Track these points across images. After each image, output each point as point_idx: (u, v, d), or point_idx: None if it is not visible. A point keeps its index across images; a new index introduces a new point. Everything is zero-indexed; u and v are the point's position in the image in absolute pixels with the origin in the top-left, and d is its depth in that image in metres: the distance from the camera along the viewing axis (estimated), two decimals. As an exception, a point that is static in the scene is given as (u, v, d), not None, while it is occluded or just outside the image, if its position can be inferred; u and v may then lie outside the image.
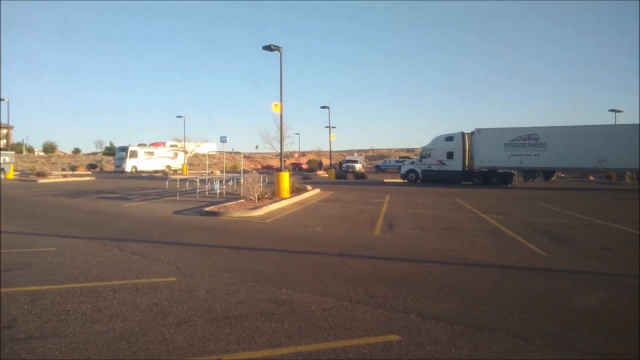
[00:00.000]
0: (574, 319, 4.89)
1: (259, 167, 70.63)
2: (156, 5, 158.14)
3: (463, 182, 31.13)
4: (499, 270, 7.17)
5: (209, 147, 56.47)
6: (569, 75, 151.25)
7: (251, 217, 13.59)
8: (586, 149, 26.97)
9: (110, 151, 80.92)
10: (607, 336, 4.41)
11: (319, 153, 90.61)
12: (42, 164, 57.99)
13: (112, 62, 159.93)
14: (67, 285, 6.05)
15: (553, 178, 33.21)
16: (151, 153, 51.45)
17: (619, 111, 41.38)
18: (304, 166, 65.14)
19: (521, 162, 29.11)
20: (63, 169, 49.25)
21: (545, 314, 4.99)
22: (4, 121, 44.53)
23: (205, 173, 29.54)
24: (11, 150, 47.07)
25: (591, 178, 39.67)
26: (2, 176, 33.53)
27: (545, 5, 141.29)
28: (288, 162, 70.90)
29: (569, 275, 6.86)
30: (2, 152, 38.44)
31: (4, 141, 64.48)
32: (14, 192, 23.25)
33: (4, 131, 65.81)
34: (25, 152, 74.72)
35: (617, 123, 36.86)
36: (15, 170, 38.72)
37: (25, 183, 30.82)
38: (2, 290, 5.79)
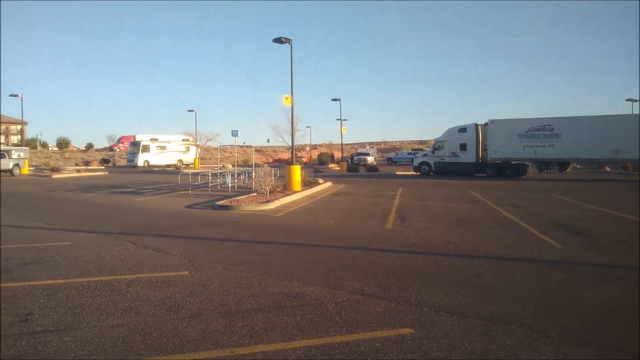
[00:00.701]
0: (589, 312, 4.84)
1: (270, 160, 70.76)
2: (166, 4, 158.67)
3: (476, 174, 30.86)
4: (512, 262, 7.12)
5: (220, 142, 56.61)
6: (584, 65, 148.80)
7: (263, 210, 13.64)
8: (602, 139, 26.51)
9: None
10: (622, 329, 4.36)
11: (330, 146, 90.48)
12: (56, 159, 58.70)
13: (124, 58, 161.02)
14: (81, 279, 6.14)
15: (568, 169, 32.80)
16: (163, 147, 51.78)
17: (635, 100, 40.64)
18: (304, 160, 63.45)
19: (535, 154, 28.77)
20: (77, 164, 49.85)
21: (559, 307, 4.95)
22: (18, 117, 45.15)
23: (217, 167, 29.69)
24: (25, 145, 47.77)
25: (607, 169, 39.09)
26: (17, 172, 34.01)
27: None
28: (285, 156, 70.83)
29: (583, 268, 6.79)
30: (17, 147, 39.04)
31: (18, 137, 65.41)
32: (29, 187, 23.59)
33: (18, 127, 66.76)
34: (39, 148, 75.71)
35: (633, 113, 36.21)
36: (29, 165, 39.26)
37: (39, 178, 31.24)
38: (19, 284, 5.90)
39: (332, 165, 52.09)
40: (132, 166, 49.11)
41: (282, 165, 37.27)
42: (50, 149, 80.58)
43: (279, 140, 40.41)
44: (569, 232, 9.70)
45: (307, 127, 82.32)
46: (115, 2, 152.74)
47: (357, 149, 76.82)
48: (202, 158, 58.88)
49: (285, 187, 18.77)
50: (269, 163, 53.01)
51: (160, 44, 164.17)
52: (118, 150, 75.01)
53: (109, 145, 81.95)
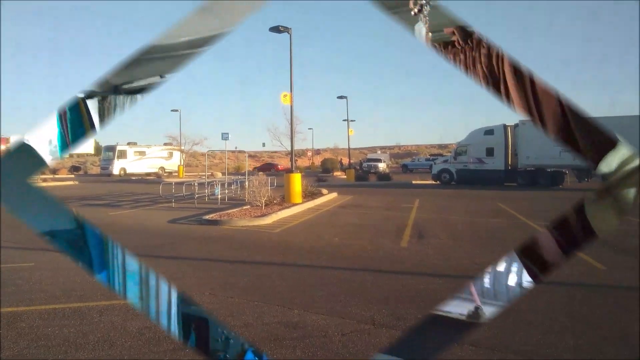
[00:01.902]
0: (638, 341, 4.80)
1: (257, 165, 70.69)
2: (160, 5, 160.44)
3: (505, 184, 30.82)
4: (548, 287, 7.06)
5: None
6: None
7: (258, 226, 13.65)
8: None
9: (95, 151, 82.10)
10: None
11: (335, 150, 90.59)
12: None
13: (105, 57, 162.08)
14: (47, 306, 6.14)
15: (612, 178, 32.68)
16: (142, 153, 51.95)
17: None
18: (280, 167, 62.54)
19: (574, 160, 28.71)
20: (42, 173, 50.04)
21: (603, 338, 4.91)
22: (-24, 118, 45.45)
23: (205, 175, 29.75)
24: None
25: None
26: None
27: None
28: (261, 163, 70.90)
29: (631, 292, 6.74)
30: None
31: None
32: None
33: (-24, 130, 67.13)
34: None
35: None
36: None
37: None
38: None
39: (338, 173, 52.14)
40: (106, 174, 49.19)
41: (277, 173, 37.28)
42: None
43: (277, 145, 40.28)
44: (615, 251, 9.65)
45: (309, 129, 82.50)
46: (110, 5, 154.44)
47: (366, 155, 76.90)
48: (187, 165, 59.03)
49: (284, 199, 18.79)
50: (256, 168, 53.39)
51: (139, 33, 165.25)
52: None
53: None
